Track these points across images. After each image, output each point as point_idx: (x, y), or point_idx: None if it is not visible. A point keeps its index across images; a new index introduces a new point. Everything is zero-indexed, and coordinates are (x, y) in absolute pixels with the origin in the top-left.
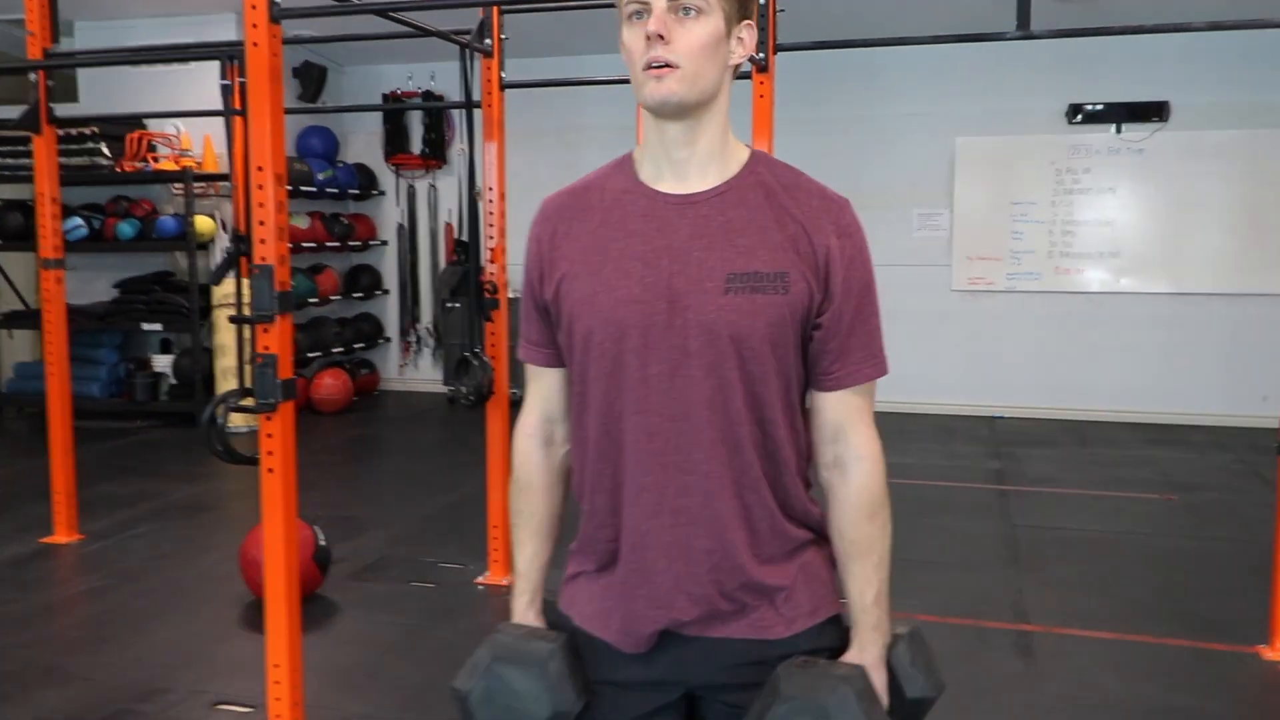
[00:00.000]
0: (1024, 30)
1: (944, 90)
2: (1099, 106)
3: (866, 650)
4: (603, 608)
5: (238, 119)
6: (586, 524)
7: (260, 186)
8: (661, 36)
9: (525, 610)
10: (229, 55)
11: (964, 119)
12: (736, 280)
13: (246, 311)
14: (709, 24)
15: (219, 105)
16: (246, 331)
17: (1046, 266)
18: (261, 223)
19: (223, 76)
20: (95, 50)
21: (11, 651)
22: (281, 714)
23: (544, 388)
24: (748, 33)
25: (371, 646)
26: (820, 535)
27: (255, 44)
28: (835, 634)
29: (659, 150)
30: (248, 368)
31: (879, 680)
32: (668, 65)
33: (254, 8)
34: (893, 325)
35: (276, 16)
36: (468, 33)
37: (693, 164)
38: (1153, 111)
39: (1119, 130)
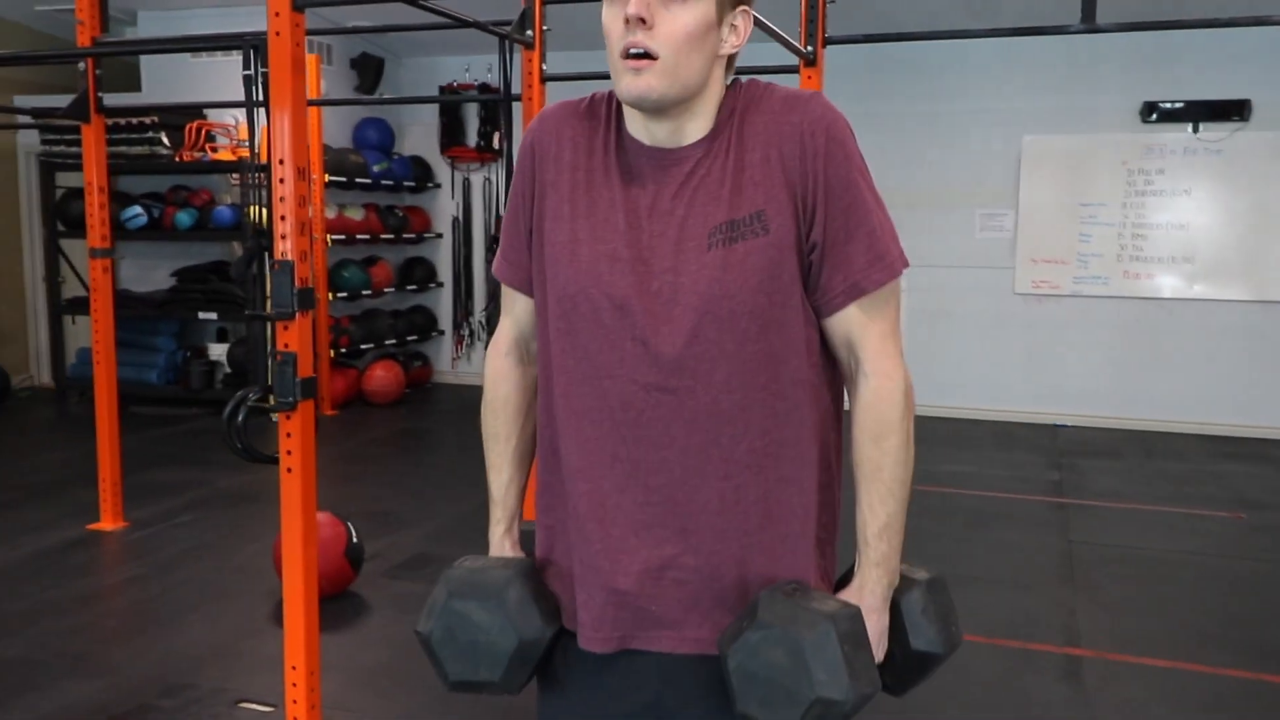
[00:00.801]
0: (1089, 24)
1: (1011, 86)
2: (1177, 105)
3: (866, 588)
4: (569, 594)
5: (262, 109)
6: (548, 490)
7: (281, 180)
8: (643, 20)
9: (501, 539)
10: (253, 45)
11: (1032, 116)
12: (717, 234)
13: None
14: (697, 9)
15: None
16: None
17: (1115, 271)
18: (283, 217)
19: (245, 66)
20: (130, 41)
21: (45, 640)
22: (299, 715)
23: (519, 311)
24: (743, 20)
25: (398, 647)
26: (833, 506)
27: (278, 33)
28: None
29: (644, 134)
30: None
31: (875, 624)
32: (647, 55)
33: None
34: (953, 328)
35: (299, 5)
36: (508, 23)
37: (682, 143)
38: (1233, 110)
39: (1196, 130)
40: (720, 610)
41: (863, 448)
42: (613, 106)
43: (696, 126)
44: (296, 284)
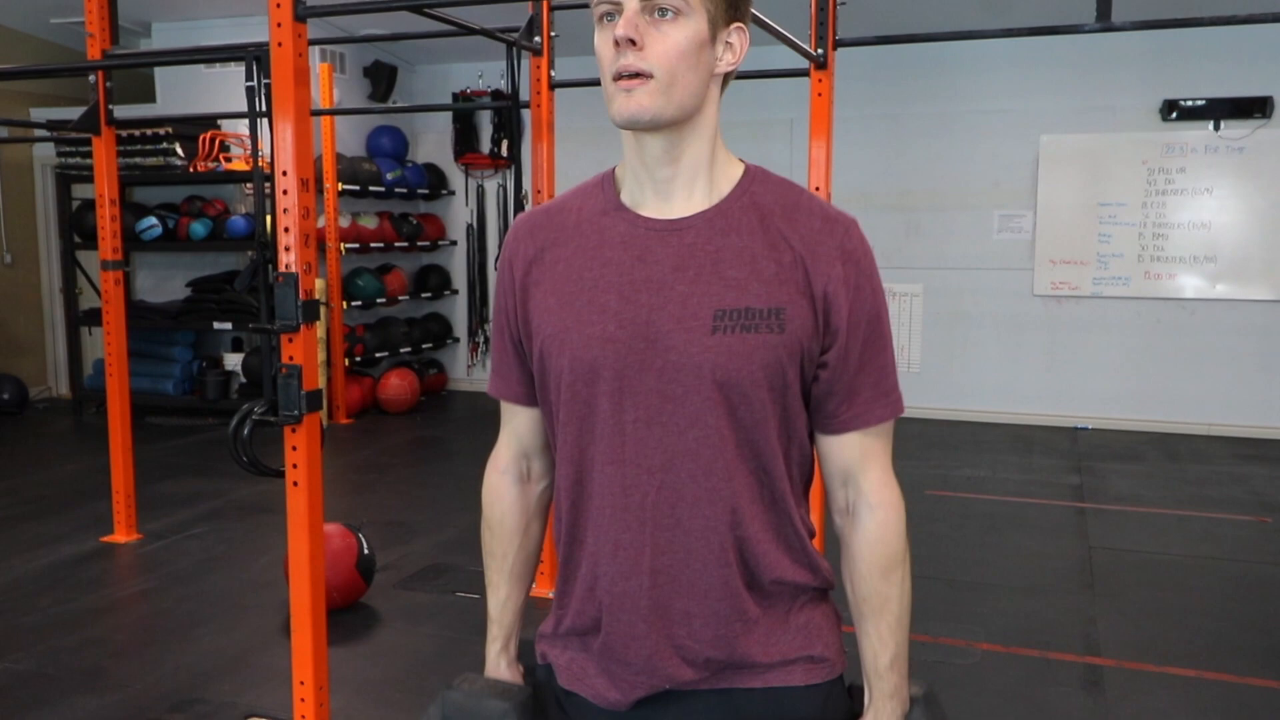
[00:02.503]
0: (1104, 22)
1: (1028, 85)
2: (1199, 102)
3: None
4: (584, 664)
5: (264, 120)
6: (564, 577)
7: (285, 192)
8: (633, 41)
9: (497, 658)
10: (255, 56)
11: (1049, 115)
12: (726, 318)
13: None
14: (689, 27)
15: None
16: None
17: (1136, 271)
18: (286, 229)
19: (248, 78)
20: (131, 53)
21: (56, 654)
22: None
23: (517, 424)
24: (738, 36)
25: (408, 660)
26: (827, 588)
27: (280, 44)
28: (840, 697)
29: (639, 169)
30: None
31: None
32: (639, 75)
33: (278, 6)
34: (971, 330)
35: (301, 15)
36: (516, 30)
37: (677, 184)
38: (1255, 107)
39: (1217, 127)
40: (730, 670)
41: (870, 581)
42: (599, 187)
43: (693, 164)
44: (301, 296)
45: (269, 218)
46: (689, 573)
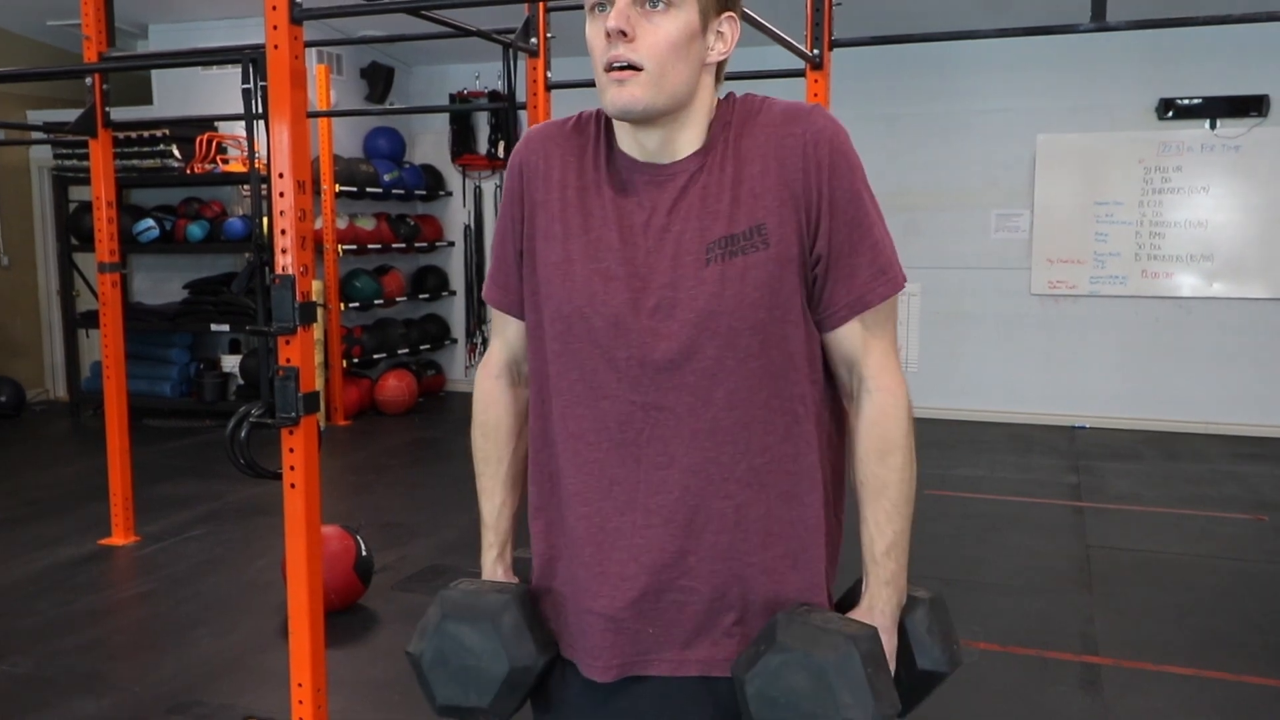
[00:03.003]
0: (1099, 22)
1: (1024, 85)
2: (1195, 101)
3: (877, 608)
4: (566, 621)
5: (262, 122)
6: (544, 516)
7: (281, 194)
8: (623, 33)
9: (494, 564)
10: (251, 58)
11: (1046, 115)
12: (714, 248)
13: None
14: (680, 18)
15: None
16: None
17: (1133, 270)
18: (283, 231)
19: (244, 80)
20: (127, 55)
21: (54, 657)
22: None
23: (510, 334)
24: (729, 26)
25: (407, 662)
26: (837, 525)
27: (276, 46)
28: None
29: (635, 148)
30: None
31: (887, 644)
32: (630, 67)
33: (274, 8)
34: (969, 330)
35: (298, 18)
36: (512, 31)
37: (675, 157)
38: (1251, 106)
39: (1213, 126)
40: (723, 632)
41: (867, 465)
42: (601, 123)
43: (688, 138)
44: (298, 298)
45: (265, 219)
46: (682, 512)
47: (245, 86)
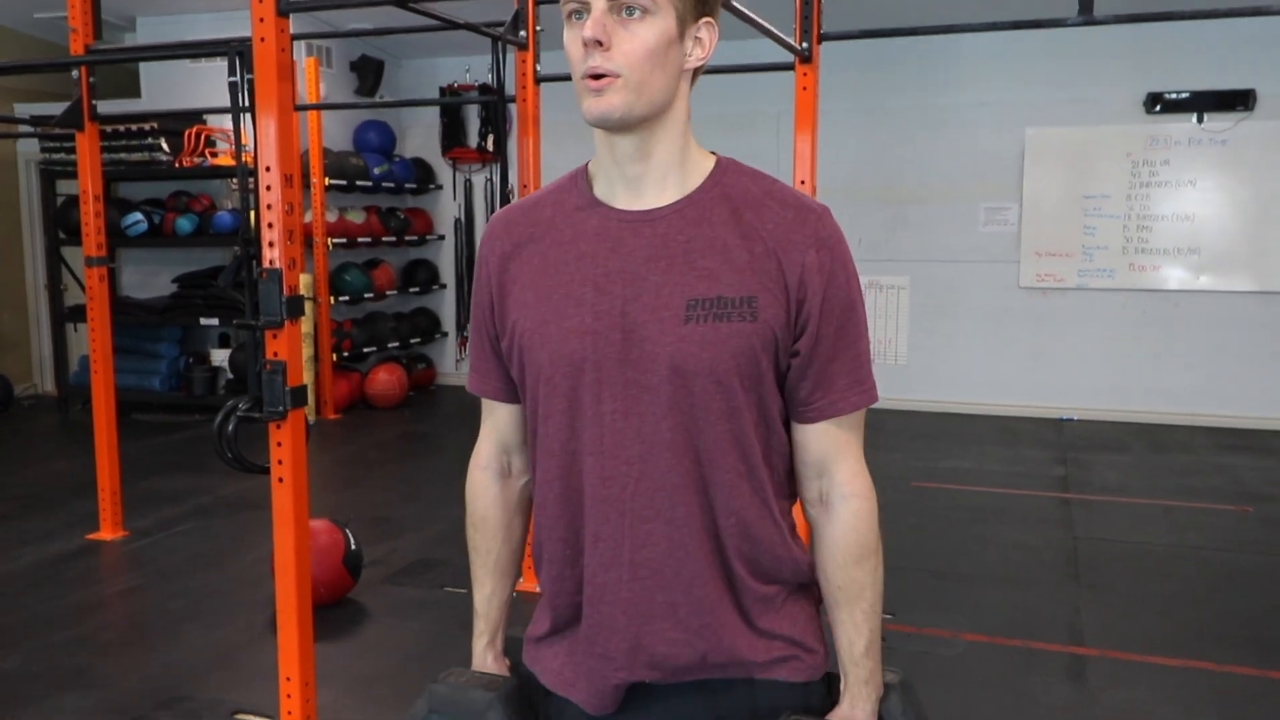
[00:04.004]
0: (1086, 15)
1: (1013, 79)
2: (1182, 95)
3: (858, 706)
4: (567, 666)
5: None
6: (546, 572)
7: (268, 187)
8: (600, 42)
9: (484, 653)
10: (238, 51)
11: (1035, 109)
12: (698, 307)
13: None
14: (656, 25)
15: None
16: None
17: (1121, 263)
18: (270, 225)
19: (231, 73)
20: (113, 48)
21: (42, 652)
22: None
23: (497, 420)
24: (707, 32)
25: (396, 655)
26: (810, 582)
27: (263, 39)
28: (822, 695)
29: (611, 166)
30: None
31: None
32: (607, 75)
33: (261, 1)
34: (957, 323)
35: (284, 10)
36: (502, 25)
37: (648, 179)
38: (1238, 100)
39: (1201, 120)
40: (715, 658)
41: (845, 570)
42: (572, 183)
43: (664, 159)
44: (285, 292)
45: (253, 213)
46: (670, 565)
47: (231, 79)
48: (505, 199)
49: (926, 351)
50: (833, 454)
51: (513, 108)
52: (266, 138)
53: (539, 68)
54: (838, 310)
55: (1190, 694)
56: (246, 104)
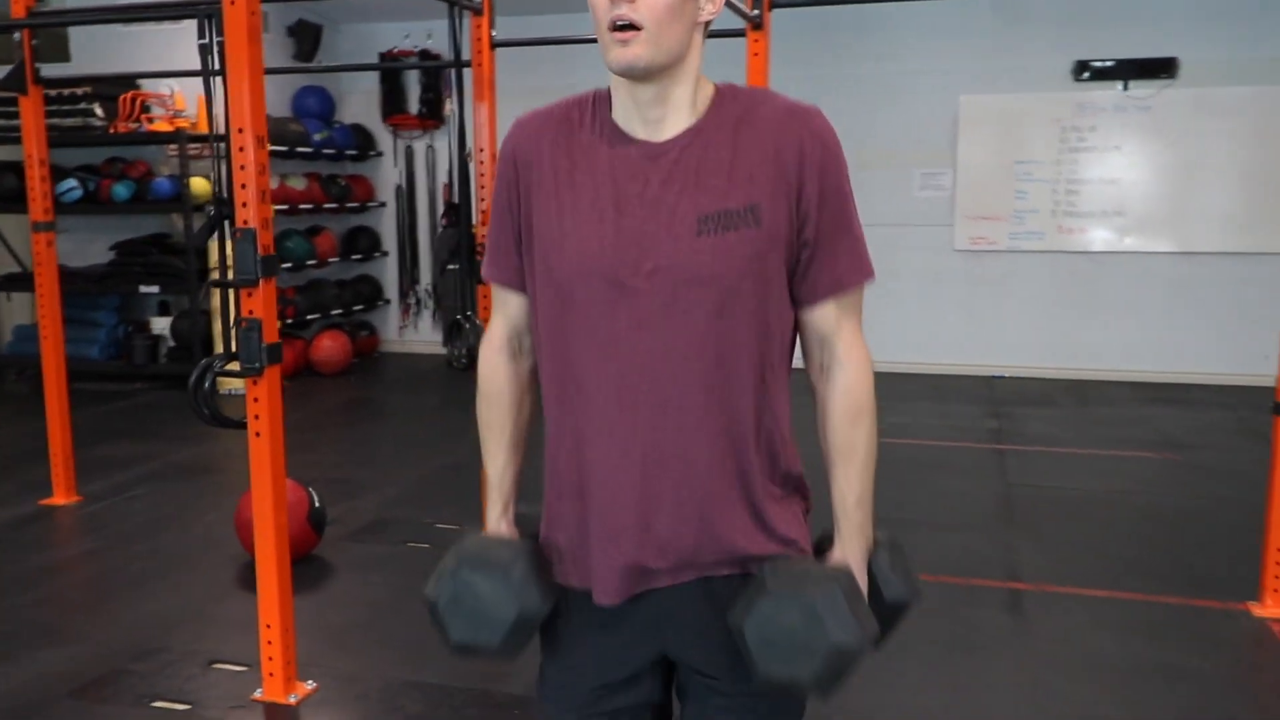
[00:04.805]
0: None
1: (947, 46)
2: (1108, 63)
3: (849, 551)
4: (577, 553)
5: (218, 79)
6: (554, 458)
7: (241, 149)
8: None
9: (498, 521)
10: (206, 13)
11: (968, 76)
12: (708, 222)
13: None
14: None
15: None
16: (233, 296)
17: (1050, 226)
18: (243, 186)
19: (201, 35)
20: (72, 10)
21: (10, 612)
22: (274, 672)
23: (510, 308)
24: None
25: (365, 606)
26: (801, 485)
27: (232, 1)
28: None
29: (631, 107)
30: (233, 332)
31: (861, 582)
32: (632, 27)
33: None
34: (894, 285)
35: None
36: None
37: (666, 119)
38: (1160, 68)
39: (1126, 87)
40: (714, 551)
41: (840, 430)
42: (590, 106)
43: (681, 112)
44: (259, 251)
45: (223, 176)
46: (680, 460)
47: (201, 41)
48: (464, 164)
49: (864, 313)
50: (833, 328)
51: (467, 73)
52: (239, 100)
53: (494, 34)
54: (833, 199)
55: (1117, 621)
56: (216, 67)
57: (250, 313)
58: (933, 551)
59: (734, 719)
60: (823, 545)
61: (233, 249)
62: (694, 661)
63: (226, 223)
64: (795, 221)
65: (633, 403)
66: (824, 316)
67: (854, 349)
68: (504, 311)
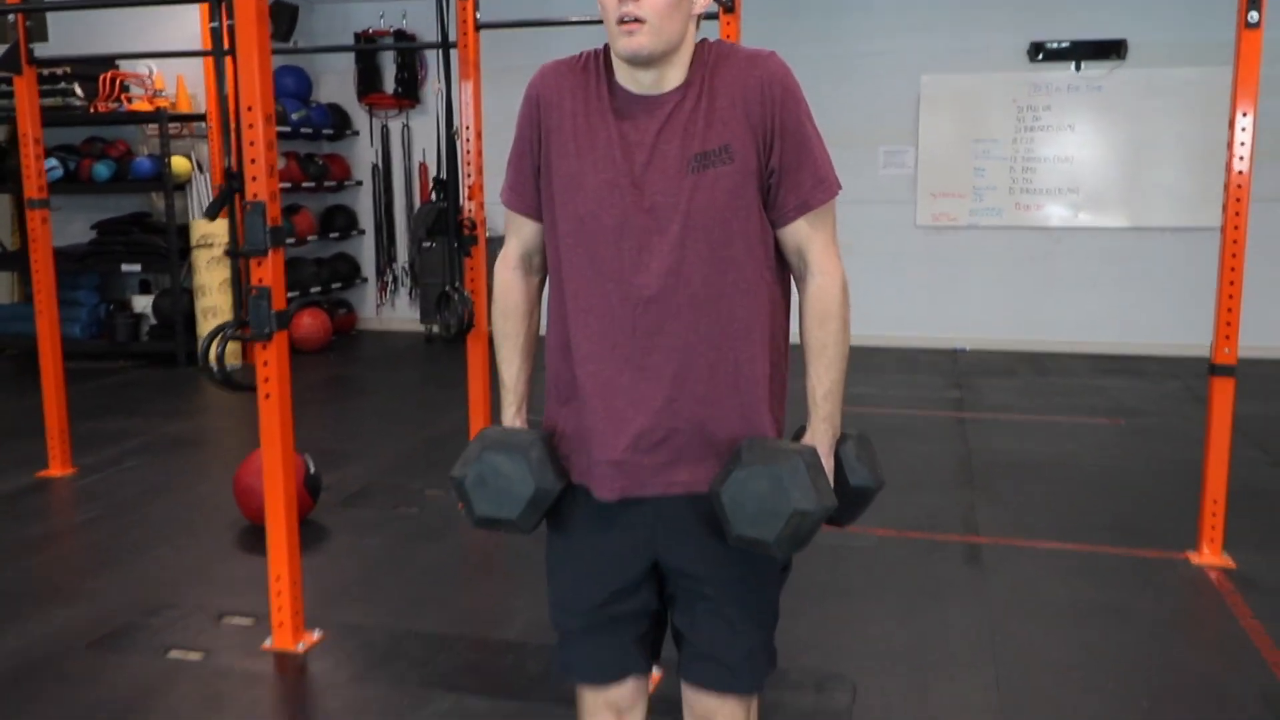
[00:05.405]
0: None
1: (910, 28)
2: (1063, 44)
3: (817, 437)
4: (579, 454)
5: (223, 60)
6: (560, 370)
7: (251, 126)
8: None
9: (514, 418)
10: None
11: (929, 57)
12: (693, 162)
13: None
14: None
15: (191, 45)
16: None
17: (1008, 203)
18: (253, 160)
19: (213, 18)
20: None
21: (20, 575)
22: (284, 622)
23: (525, 232)
24: None
25: (362, 565)
26: (781, 385)
27: None
28: None
29: (631, 83)
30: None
31: (827, 464)
32: (637, 20)
33: None
34: (858, 261)
35: None
36: None
37: (661, 83)
38: (1111, 49)
39: (1079, 68)
40: (700, 460)
41: (811, 330)
42: (601, 63)
43: (674, 74)
44: (268, 223)
45: (233, 151)
46: (670, 369)
47: (214, 25)
48: (451, 142)
49: None
50: (807, 243)
51: (434, 55)
52: (250, 79)
53: (478, 15)
54: (792, 129)
55: (1067, 569)
56: (222, 48)
57: (260, 281)
58: (896, 510)
59: (717, 620)
60: (798, 435)
61: (241, 221)
62: (681, 564)
63: (238, 195)
64: (762, 154)
65: (631, 318)
66: (796, 232)
67: (826, 260)
68: (519, 235)
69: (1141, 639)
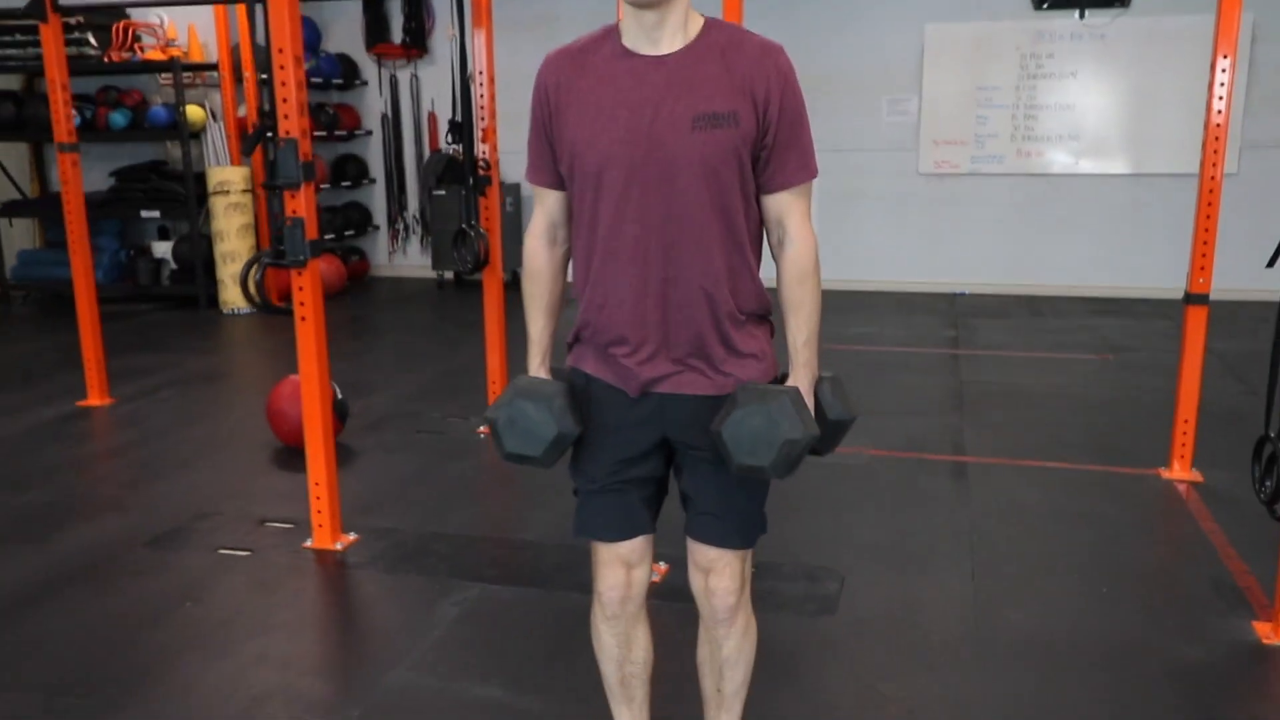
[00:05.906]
0: None
1: None
2: None
3: (799, 379)
4: (605, 363)
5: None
6: (588, 309)
7: (282, 67)
8: None
9: (539, 368)
10: None
11: (934, 6)
12: (701, 120)
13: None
14: None
15: None
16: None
17: (1009, 149)
18: (284, 100)
19: None
20: None
21: (72, 488)
22: (323, 524)
23: (548, 203)
24: None
25: (391, 480)
26: (768, 314)
27: None
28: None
29: (638, 30)
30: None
31: (808, 402)
32: None
33: None
34: (861, 207)
35: None
36: None
37: (664, 37)
38: None
39: (1082, 16)
40: (700, 371)
41: (789, 289)
42: (603, 38)
43: (675, 34)
44: (300, 158)
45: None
46: (679, 296)
47: None
48: (465, 85)
49: (834, 234)
50: (786, 213)
51: (440, 3)
52: (280, 24)
53: None
54: (789, 118)
55: (1045, 483)
56: None
57: (294, 212)
58: (890, 433)
59: (718, 479)
60: (783, 379)
61: (275, 157)
62: (688, 439)
63: (270, 134)
64: (760, 129)
65: (645, 254)
66: (777, 202)
67: (801, 229)
68: (544, 206)
69: (1107, 538)
